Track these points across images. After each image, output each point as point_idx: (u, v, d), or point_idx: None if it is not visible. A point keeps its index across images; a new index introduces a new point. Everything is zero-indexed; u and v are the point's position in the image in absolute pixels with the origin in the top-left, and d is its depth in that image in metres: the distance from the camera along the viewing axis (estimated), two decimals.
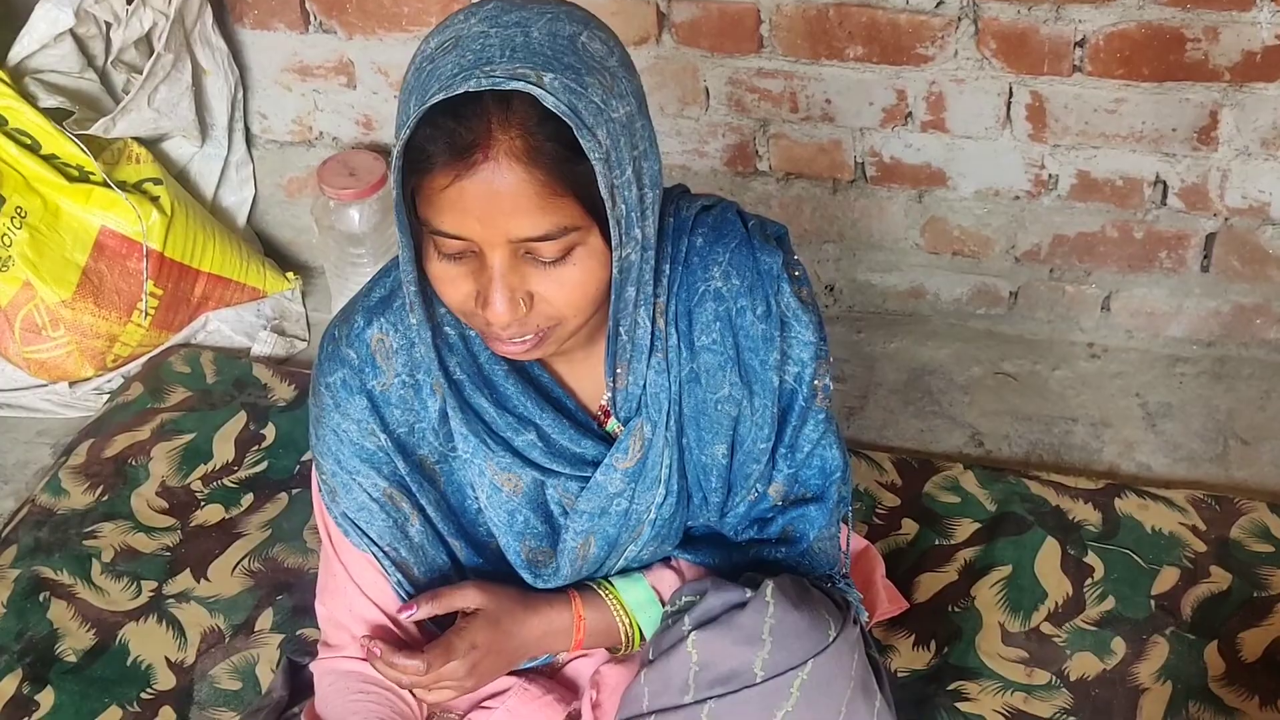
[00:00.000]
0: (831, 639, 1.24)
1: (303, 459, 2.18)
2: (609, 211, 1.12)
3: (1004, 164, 2.20)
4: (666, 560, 1.43)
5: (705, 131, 2.30)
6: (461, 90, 1.05)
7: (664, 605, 1.38)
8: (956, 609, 1.85)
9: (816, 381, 1.34)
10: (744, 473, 1.35)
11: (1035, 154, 2.18)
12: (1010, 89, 2.13)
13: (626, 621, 1.39)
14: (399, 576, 1.35)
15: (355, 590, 1.36)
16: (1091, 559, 1.90)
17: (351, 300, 1.35)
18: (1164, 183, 2.15)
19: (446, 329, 1.27)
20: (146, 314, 2.35)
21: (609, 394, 1.30)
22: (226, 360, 2.40)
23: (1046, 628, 1.82)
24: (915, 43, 2.12)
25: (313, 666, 1.44)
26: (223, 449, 2.21)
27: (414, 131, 1.08)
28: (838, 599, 1.34)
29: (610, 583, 1.40)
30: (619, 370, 1.27)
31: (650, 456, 1.31)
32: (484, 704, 1.45)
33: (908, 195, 2.28)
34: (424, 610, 1.34)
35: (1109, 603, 1.84)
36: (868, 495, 2.03)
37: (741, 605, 1.25)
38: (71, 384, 2.36)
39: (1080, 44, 2.06)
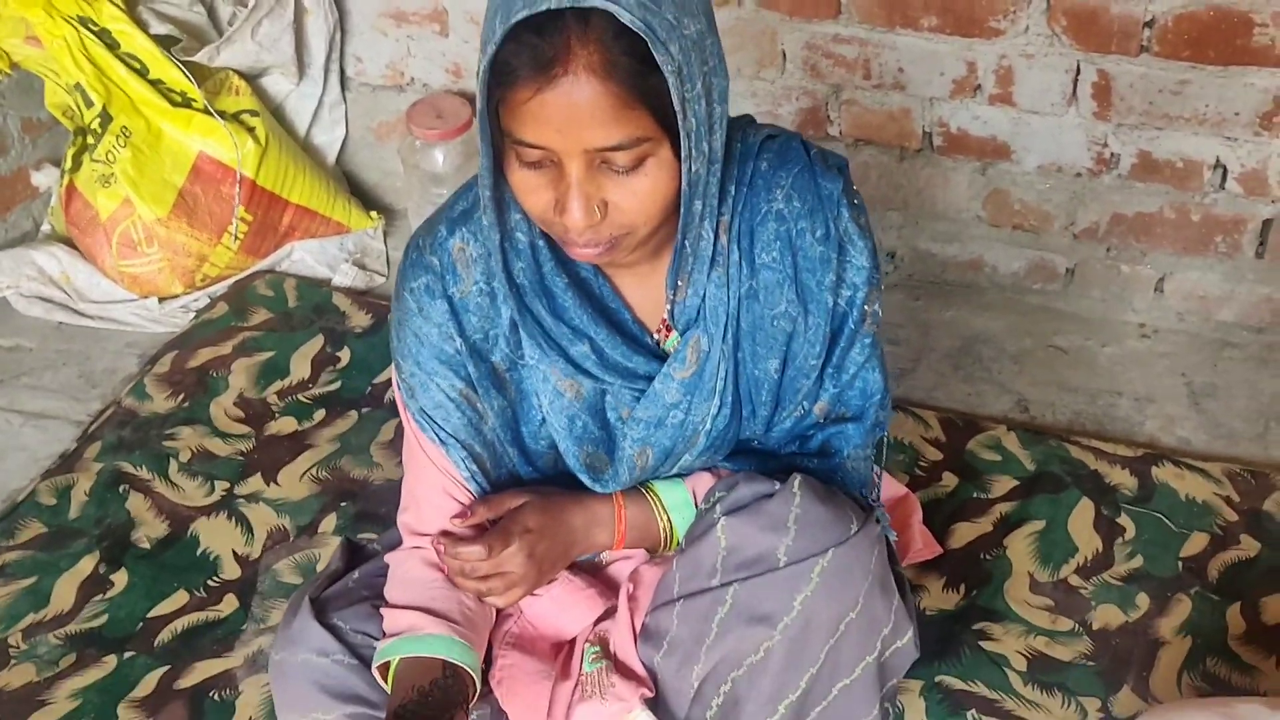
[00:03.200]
0: (853, 532, 1.31)
1: (375, 381, 2.28)
2: (680, 123, 1.18)
3: (1068, 140, 2.26)
4: (706, 466, 1.50)
5: (780, 94, 2.38)
6: (544, 8, 1.12)
7: (698, 507, 1.45)
8: (988, 557, 1.91)
9: (867, 306, 1.40)
10: (793, 388, 1.42)
11: (1099, 132, 2.23)
12: (1078, 66, 2.18)
13: (665, 520, 1.46)
14: (473, 469, 1.42)
15: (437, 479, 1.43)
16: (1124, 520, 1.96)
17: (435, 212, 1.42)
18: (1224, 166, 2.19)
19: (518, 235, 1.34)
20: (236, 237, 2.47)
21: (669, 305, 1.37)
22: (308, 287, 2.52)
23: (1074, 579, 1.87)
24: (988, 16, 2.18)
25: (388, 557, 1.51)
26: (300, 367, 2.33)
27: (499, 47, 1.16)
28: (862, 504, 1.41)
29: (651, 484, 1.48)
30: (680, 282, 1.34)
31: (707, 368, 1.38)
32: (533, 593, 1.52)
33: (972, 167, 2.34)
34: (479, 514, 1.41)
35: (1137, 561, 1.90)
36: (911, 449, 2.10)
37: (770, 495, 1.33)
38: (161, 300, 2.49)
39: (1149, 24, 2.11)
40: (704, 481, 1.47)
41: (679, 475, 1.49)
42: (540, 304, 1.35)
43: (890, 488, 1.93)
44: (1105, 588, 1.86)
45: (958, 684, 1.74)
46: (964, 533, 1.95)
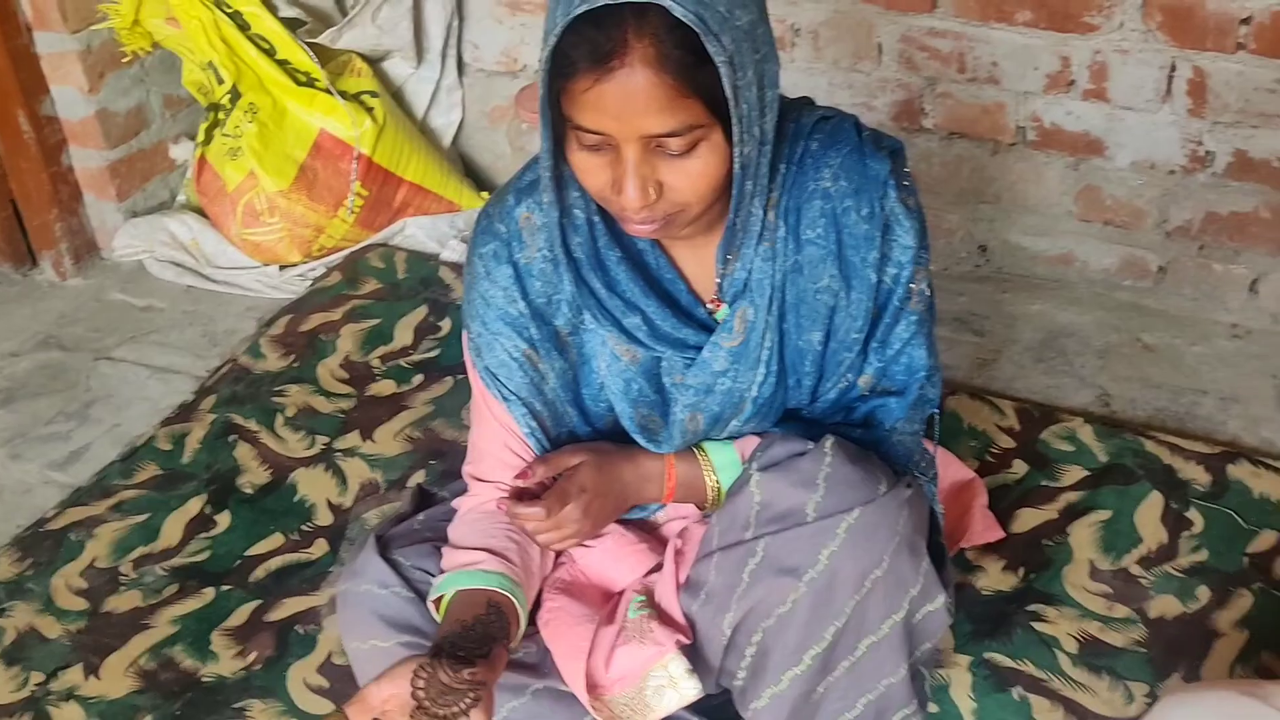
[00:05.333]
0: (881, 492, 1.36)
1: None
2: (732, 109, 1.25)
3: (1161, 137, 2.26)
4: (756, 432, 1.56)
5: (875, 86, 2.43)
6: (602, 3, 1.19)
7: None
8: (1050, 543, 1.93)
9: (913, 285, 1.45)
10: (836, 360, 1.47)
11: (1193, 129, 2.23)
12: (1173, 63, 2.19)
13: (713, 479, 1.53)
14: (532, 425, 1.50)
15: (500, 433, 1.51)
16: (1193, 514, 1.96)
17: (506, 183, 1.52)
18: None
19: (575, 211, 1.42)
20: (352, 211, 2.61)
21: (718, 279, 1.44)
22: (417, 261, 2.64)
23: (1135, 569, 1.89)
24: (1083, 11, 2.20)
25: (454, 503, 1.60)
26: (403, 334, 2.45)
27: (559, 39, 1.24)
28: (898, 470, 1.45)
29: (702, 445, 1.55)
30: (729, 257, 1.41)
31: (752, 338, 1.45)
32: (586, 544, 1.60)
33: (1065, 162, 2.36)
34: (538, 473, 1.49)
35: (1202, 554, 1.90)
36: (984, 436, 2.13)
37: (802, 454, 1.39)
38: (281, 268, 2.64)
39: (1246, 21, 2.10)
40: (752, 445, 1.53)
41: (729, 439, 1.55)
42: (596, 277, 1.42)
43: (957, 471, 1.97)
44: (1166, 579, 1.87)
45: (1006, 662, 1.76)
46: (1028, 519, 1.98)
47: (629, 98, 1.22)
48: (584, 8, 1.20)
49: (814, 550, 1.35)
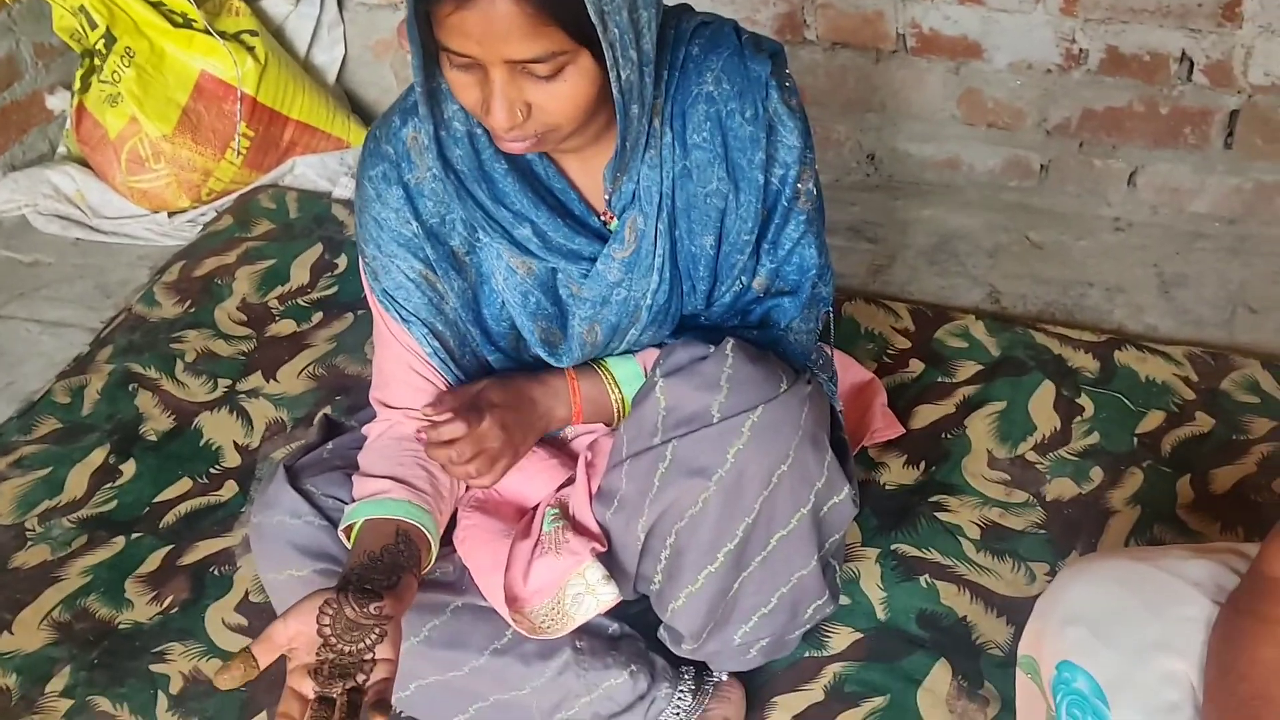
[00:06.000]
0: (782, 389, 1.39)
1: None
2: (601, 35, 1.24)
3: (1036, 37, 2.31)
4: (655, 344, 1.58)
5: (757, 0, 2.44)
6: None
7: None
8: (948, 436, 1.99)
9: (800, 185, 1.47)
10: (729, 263, 1.49)
11: (1066, 28, 2.28)
12: None
13: (617, 394, 1.55)
14: (434, 345, 1.50)
15: (404, 356, 1.51)
16: (1083, 400, 2.03)
17: (391, 105, 1.51)
18: (1190, 59, 2.24)
19: (455, 124, 1.41)
20: (239, 153, 2.57)
21: (607, 195, 1.45)
22: (309, 200, 2.62)
23: (1031, 455, 1.95)
24: None
25: (364, 429, 1.59)
26: (299, 274, 2.44)
27: None
28: (797, 368, 1.49)
29: (603, 360, 1.57)
30: (619, 174, 1.42)
31: (644, 246, 1.46)
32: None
33: (945, 67, 2.40)
34: (445, 402, 1.48)
35: (1093, 438, 1.97)
36: (880, 338, 2.18)
37: (704, 358, 1.41)
38: (170, 214, 2.60)
39: None
40: (653, 356, 1.55)
41: (630, 352, 1.57)
42: (480, 189, 1.42)
43: (856, 373, 2.01)
44: (1061, 462, 1.94)
45: (913, 551, 1.82)
46: (926, 414, 2.03)
47: (489, 24, 1.21)
48: None
49: (721, 450, 1.38)
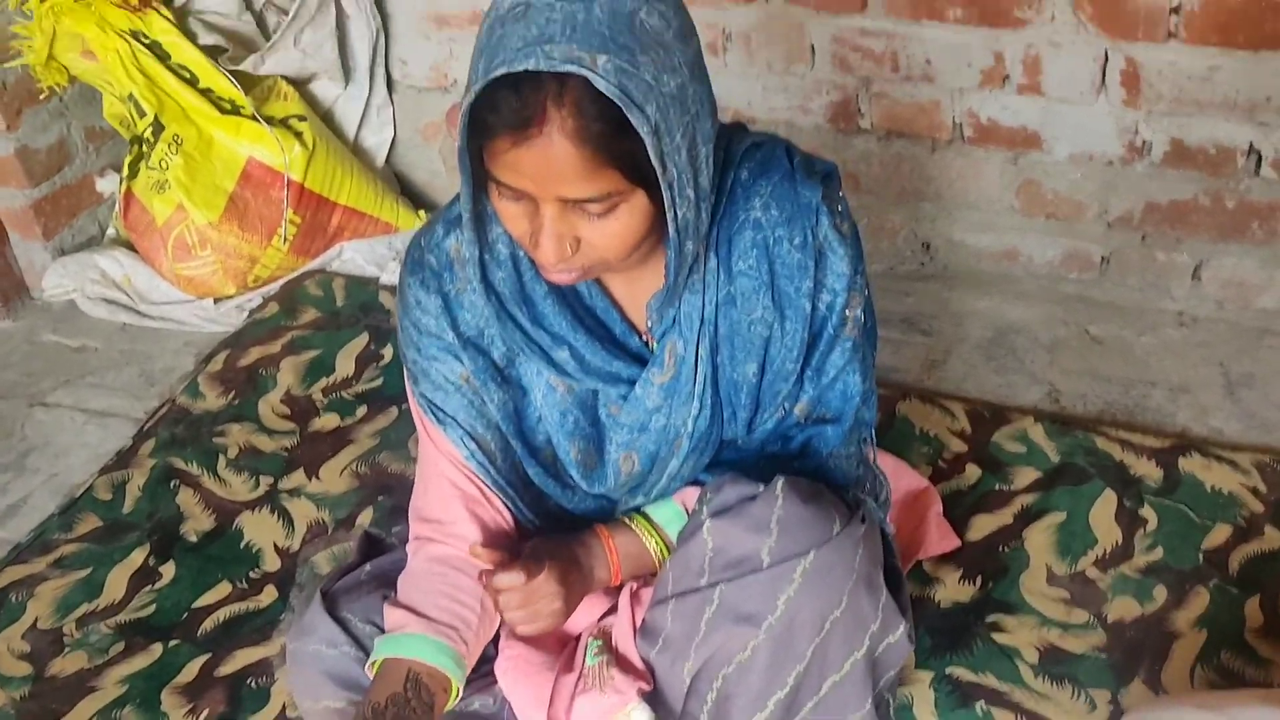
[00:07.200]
0: (835, 532, 1.34)
1: None
2: (660, 176, 1.21)
3: (1098, 129, 2.25)
4: (695, 482, 1.53)
5: (810, 89, 2.40)
6: (522, 68, 1.15)
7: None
8: (1006, 549, 1.93)
9: (848, 311, 1.42)
10: (773, 391, 1.45)
11: (1129, 120, 2.22)
12: (1105, 54, 2.18)
13: (655, 540, 1.49)
14: (471, 447, 1.46)
15: (442, 463, 1.47)
16: (1146, 511, 1.96)
17: (435, 214, 1.48)
18: (1258, 152, 2.17)
19: (499, 247, 1.39)
20: (286, 239, 2.56)
21: (649, 322, 1.41)
22: (356, 286, 2.60)
23: (1092, 572, 1.88)
24: (1014, 5, 2.18)
25: (408, 547, 1.54)
26: (344, 364, 2.41)
27: (479, 97, 1.19)
28: (849, 503, 1.44)
29: (638, 511, 1.52)
30: (666, 308, 1.38)
31: (683, 371, 1.42)
32: None
33: (1003, 157, 2.34)
34: (493, 556, 1.42)
35: (1157, 553, 1.90)
36: (936, 440, 2.11)
37: (753, 498, 1.36)
38: (216, 300, 2.58)
39: (1175, 10, 2.09)
40: (693, 495, 1.51)
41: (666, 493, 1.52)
42: (520, 311, 1.39)
43: (911, 480, 1.95)
44: (1123, 580, 1.86)
45: (968, 675, 1.75)
46: (983, 525, 1.97)
47: (546, 164, 1.19)
48: (501, 70, 1.16)
49: (771, 596, 1.33)
